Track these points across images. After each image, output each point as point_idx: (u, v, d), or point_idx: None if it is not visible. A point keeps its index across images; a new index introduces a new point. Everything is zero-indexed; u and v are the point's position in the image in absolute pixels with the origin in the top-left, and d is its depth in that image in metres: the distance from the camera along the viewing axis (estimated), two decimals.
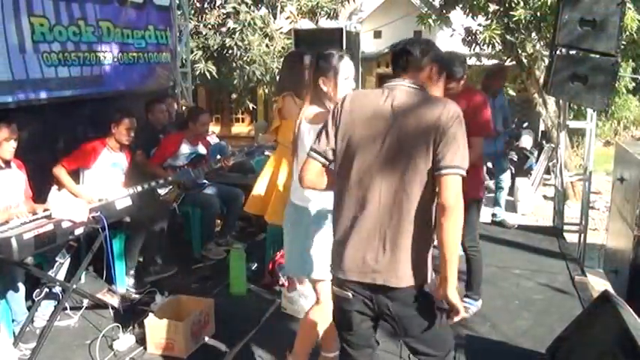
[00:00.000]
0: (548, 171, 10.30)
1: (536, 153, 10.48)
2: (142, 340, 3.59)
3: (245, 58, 10.26)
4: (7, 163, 3.78)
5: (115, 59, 5.64)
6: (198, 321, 3.63)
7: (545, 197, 9.49)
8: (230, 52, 10.17)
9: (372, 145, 2.09)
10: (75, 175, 4.43)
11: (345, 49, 6.11)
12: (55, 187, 4.31)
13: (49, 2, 4.81)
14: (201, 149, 5.33)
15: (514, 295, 4.34)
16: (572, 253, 5.29)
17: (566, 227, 5.91)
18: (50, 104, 4.79)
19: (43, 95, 4.71)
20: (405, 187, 2.04)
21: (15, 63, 4.47)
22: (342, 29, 6.09)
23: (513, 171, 9.29)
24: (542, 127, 10.28)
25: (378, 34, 14.83)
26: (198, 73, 10.12)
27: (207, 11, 11.09)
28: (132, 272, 4.60)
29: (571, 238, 5.71)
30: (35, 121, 4.58)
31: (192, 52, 10.19)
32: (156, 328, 3.53)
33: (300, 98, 3.84)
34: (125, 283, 4.53)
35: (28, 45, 4.62)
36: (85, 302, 4.07)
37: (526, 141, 10.34)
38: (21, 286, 3.61)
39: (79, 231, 3.55)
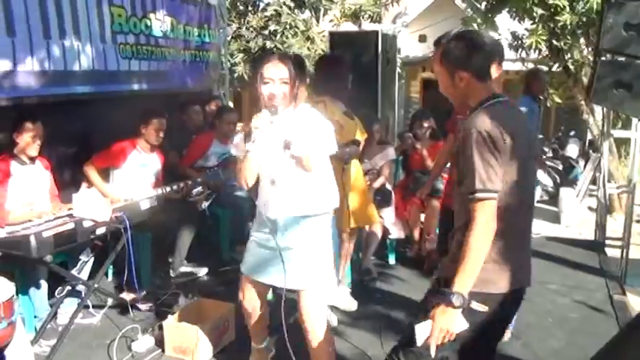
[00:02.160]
0: (594, 181, 9.90)
1: (582, 162, 10.09)
2: (161, 343, 3.56)
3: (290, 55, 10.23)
4: (32, 160, 3.82)
5: (177, 56, 5.64)
6: (217, 326, 3.58)
7: (590, 209, 9.07)
8: (270, 53, 10.16)
9: None
10: (105, 173, 4.45)
11: (382, 52, 6.01)
12: (84, 185, 4.34)
13: None
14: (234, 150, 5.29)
15: (548, 312, 4.15)
16: (612, 270, 5.04)
17: (608, 242, 5.64)
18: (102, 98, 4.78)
19: (115, 88, 4.77)
20: None
21: (96, 53, 4.49)
22: (377, 32, 5.98)
23: (558, 180, 8.96)
24: (589, 136, 9.90)
25: (423, 38, 14.58)
26: (236, 75, 10.15)
27: (249, 14, 11.11)
28: (158, 273, 4.60)
29: (614, 253, 5.44)
30: (84, 114, 4.59)
31: (233, 55, 10.26)
32: (174, 331, 3.50)
33: (336, 102, 3.78)
34: (150, 283, 4.52)
35: (108, 35, 4.66)
36: (109, 301, 4.08)
37: (572, 150, 9.98)
38: (43, 283, 3.64)
39: (100, 230, 3.55)
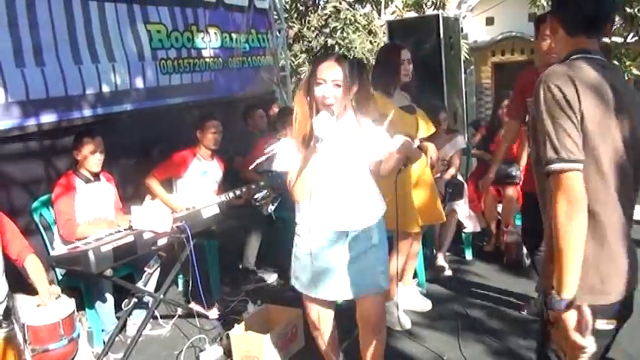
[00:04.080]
0: None
1: None
2: (229, 352, 3.47)
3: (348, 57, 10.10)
4: (96, 176, 3.85)
5: (222, 64, 5.69)
6: (285, 333, 3.46)
7: None
8: (332, 51, 10.04)
9: None
10: (168, 184, 4.45)
11: (444, 37, 5.75)
12: (148, 197, 4.34)
13: (164, 8, 4.91)
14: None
15: (638, 305, 3.75)
16: None
17: None
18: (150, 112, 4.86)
19: (152, 104, 4.83)
20: None
21: (134, 72, 4.57)
22: (437, 16, 5.72)
23: None
24: None
25: (490, 21, 14.10)
26: (303, 75, 10.10)
27: (310, 14, 11.05)
28: (227, 280, 4.55)
29: None
30: (135, 128, 4.64)
31: (296, 56, 10.23)
32: (241, 339, 3.41)
33: (389, 96, 3.58)
34: (220, 291, 4.47)
35: (147, 52, 4.72)
36: (179, 311, 4.06)
37: None
38: (109, 297, 3.64)
39: (162, 241, 3.52)
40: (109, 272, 3.26)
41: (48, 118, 4.02)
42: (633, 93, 1.81)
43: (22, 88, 3.83)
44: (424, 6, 11.17)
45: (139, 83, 4.72)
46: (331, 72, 2.44)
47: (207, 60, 5.45)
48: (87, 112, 4.32)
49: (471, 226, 4.95)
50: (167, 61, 4.93)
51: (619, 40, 8.37)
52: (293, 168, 2.50)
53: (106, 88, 4.44)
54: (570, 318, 1.59)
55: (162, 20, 4.87)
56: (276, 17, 7.11)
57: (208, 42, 5.44)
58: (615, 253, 1.69)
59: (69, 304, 2.92)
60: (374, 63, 3.98)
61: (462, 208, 4.90)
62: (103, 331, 3.66)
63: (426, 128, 3.76)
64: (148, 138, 4.74)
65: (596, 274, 1.67)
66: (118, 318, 3.70)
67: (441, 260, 4.63)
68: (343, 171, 2.54)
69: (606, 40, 8.30)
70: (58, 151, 4.09)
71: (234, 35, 5.83)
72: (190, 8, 5.17)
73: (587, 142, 1.62)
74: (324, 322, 2.78)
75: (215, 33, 5.56)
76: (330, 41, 10.05)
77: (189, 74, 5.22)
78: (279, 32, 7.15)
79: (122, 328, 3.73)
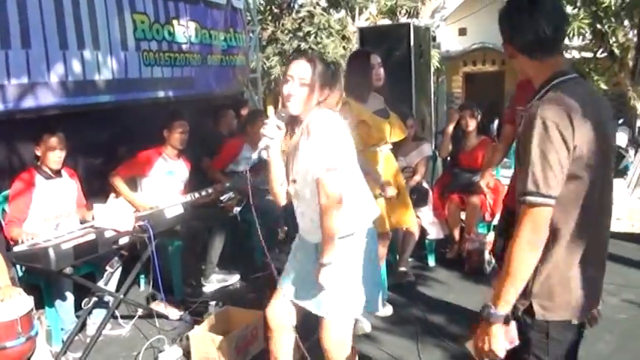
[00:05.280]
0: None
1: (632, 151, 9.62)
2: (188, 353, 3.46)
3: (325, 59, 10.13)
4: (58, 173, 3.80)
5: (201, 61, 5.62)
6: (244, 336, 3.47)
7: None
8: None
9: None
10: (133, 182, 4.41)
11: (414, 45, 5.82)
12: (112, 195, 4.31)
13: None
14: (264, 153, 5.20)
15: None
16: None
17: None
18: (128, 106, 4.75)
19: (137, 96, 4.74)
20: None
21: (116, 61, 4.47)
22: (409, 24, 5.78)
23: None
24: (638, 123, 9.42)
25: (463, 32, 14.24)
26: (273, 77, 10.11)
27: (284, 16, 11.05)
28: (189, 281, 4.53)
29: None
30: (116, 119, 4.57)
31: (268, 58, 10.22)
32: (201, 341, 3.40)
33: (363, 102, 3.62)
34: (182, 292, 4.45)
35: (131, 42, 4.62)
36: (139, 312, 4.03)
37: (621, 138, 9.45)
38: (69, 295, 3.61)
39: (124, 240, 3.50)
40: (69, 270, 3.22)
41: (27, 103, 3.93)
42: (604, 105, 1.84)
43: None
44: (398, 14, 11.24)
45: (122, 74, 4.60)
46: (299, 69, 2.35)
47: (187, 55, 5.40)
48: (65, 102, 4.21)
49: (434, 232, 5.02)
50: (149, 53, 4.85)
51: (589, 55, 8.58)
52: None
53: (89, 77, 4.34)
54: (499, 331, 1.71)
55: (146, 10, 4.79)
56: (249, 18, 7.11)
57: (188, 37, 5.39)
58: (577, 278, 1.78)
59: (27, 301, 2.87)
60: (345, 70, 4.00)
61: (426, 215, 4.96)
62: (62, 329, 3.62)
63: (398, 133, 3.81)
64: (125, 131, 4.66)
65: (565, 292, 1.77)
66: (77, 317, 3.67)
67: (403, 266, 4.68)
68: (306, 180, 2.41)
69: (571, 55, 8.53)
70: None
71: (213, 32, 5.79)
72: (172, 1, 5.11)
73: (577, 167, 1.67)
74: (283, 320, 2.64)
75: (195, 28, 5.51)
76: (303, 45, 10.05)
77: (169, 68, 5.15)
78: (252, 33, 7.15)
79: (82, 327, 3.70)
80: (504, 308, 1.70)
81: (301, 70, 2.35)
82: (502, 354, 1.73)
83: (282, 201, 2.55)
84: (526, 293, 1.75)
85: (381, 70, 3.70)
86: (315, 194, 2.35)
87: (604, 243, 1.88)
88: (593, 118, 1.67)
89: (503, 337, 1.72)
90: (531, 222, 1.66)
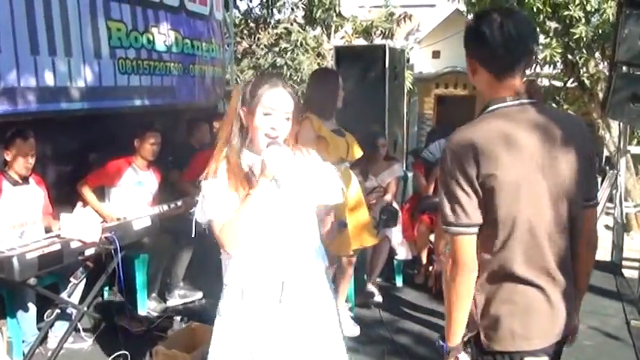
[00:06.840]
0: (611, 199, 9.63)
1: (599, 179, 9.85)
2: None
3: (295, 78, 10.18)
4: (25, 179, 3.72)
5: (183, 70, 5.57)
6: (207, 353, 3.40)
7: (607, 227, 8.82)
8: (280, 71, 10.11)
9: None
10: (101, 192, 4.34)
11: (389, 66, 5.87)
12: (80, 204, 4.22)
13: (126, 6, 4.75)
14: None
15: None
16: (630, 293, 4.77)
17: (626, 262, 5.39)
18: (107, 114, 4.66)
19: (111, 104, 4.63)
20: None
21: (89, 69, 4.40)
22: (384, 46, 5.84)
23: None
24: (605, 153, 9.67)
25: (436, 54, 14.50)
26: None
27: (260, 31, 11.10)
28: (154, 295, 4.45)
29: (632, 274, 5.18)
30: (89, 128, 4.47)
31: (243, 71, 10.23)
32: (164, 357, 3.33)
33: (325, 119, 3.62)
34: (146, 306, 4.36)
35: (105, 50, 4.56)
36: (102, 325, 3.94)
37: None
38: (31, 306, 3.50)
39: (89, 252, 3.42)
40: (32, 280, 3.14)
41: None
42: (569, 129, 1.70)
43: None
44: (373, 34, 11.39)
45: (96, 81, 4.50)
46: (283, 103, 2.06)
47: (167, 64, 5.34)
48: (35, 108, 4.07)
49: (403, 253, 5.03)
50: (126, 61, 4.80)
51: (559, 84, 8.77)
52: (224, 215, 2.05)
53: (61, 84, 4.22)
54: None
55: (123, 18, 4.74)
56: (225, 31, 7.10)
57: (169, 46, 5.35)
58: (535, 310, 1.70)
59: None
60: (309, 85, 4.00)
61: (395, 235, 4.97)
62: (23, 342, 3.51)
63: (356, 151, 3.82)
64: (96, 140, 4.57)
65: (510, 321, 1.69)
66: (39, 329, 3.56)
67: (371, 286, 4.67)
68: (296, 212, 2.14)
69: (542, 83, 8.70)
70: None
71: (195, 42, 5.76)
72: (152, 10, 5.06)
73: (496, 202, 1.60)
74: None
75: (176, 37, 5.47)
76: (279, 60, 10.11)
77: (148, 76, 5.10)
78: (228, 46, 7.14)
79: (43, 339, 3.60)
80: (453, 341, 1.70)
81: (285, 103, 2.08)
82: None
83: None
84: (475, 322, 1.72)
85: (342, 93, 3.74)
86: None
87: (560, 269, 1.70)
88: (533, 144, 1.61)
89: None
90: (451, 252, 1.65)
